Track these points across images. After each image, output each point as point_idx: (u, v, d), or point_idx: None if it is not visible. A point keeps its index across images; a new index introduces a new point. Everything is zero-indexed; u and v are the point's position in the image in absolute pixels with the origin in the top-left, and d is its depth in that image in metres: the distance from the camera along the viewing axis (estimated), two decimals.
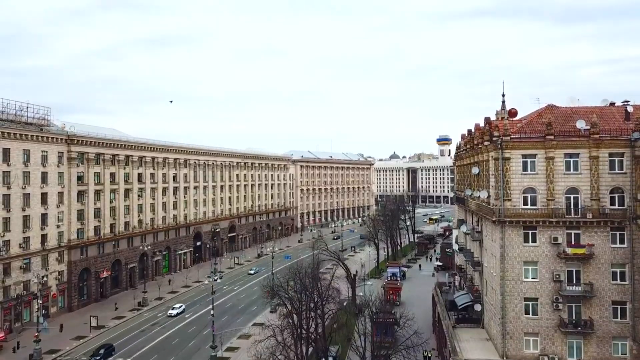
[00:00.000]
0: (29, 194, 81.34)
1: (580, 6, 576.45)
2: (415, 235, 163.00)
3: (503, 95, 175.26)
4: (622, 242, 43.70)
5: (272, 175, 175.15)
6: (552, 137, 44.53)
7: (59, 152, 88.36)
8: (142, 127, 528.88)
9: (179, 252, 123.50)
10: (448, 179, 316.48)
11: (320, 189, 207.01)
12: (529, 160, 45.20)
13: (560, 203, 44.43)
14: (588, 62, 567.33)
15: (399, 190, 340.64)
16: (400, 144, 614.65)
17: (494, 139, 46.48)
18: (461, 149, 71.53)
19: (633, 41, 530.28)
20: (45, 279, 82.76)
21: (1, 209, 76.15)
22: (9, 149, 77.94)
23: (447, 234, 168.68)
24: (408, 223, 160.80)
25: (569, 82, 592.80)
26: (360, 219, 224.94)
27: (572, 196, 44.48)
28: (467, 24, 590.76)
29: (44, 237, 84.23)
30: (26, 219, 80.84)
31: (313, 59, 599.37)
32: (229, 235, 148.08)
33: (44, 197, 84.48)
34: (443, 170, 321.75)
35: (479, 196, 53.70)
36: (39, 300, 73.37)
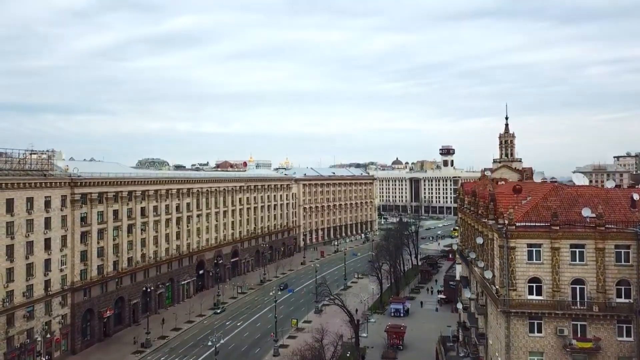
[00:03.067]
0: (32, 241, 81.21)
1: (583, 6, 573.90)
2: (419, 257, 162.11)
3: (506, 118, 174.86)
4: (628, 335, 43.45)
5: (274, 196, 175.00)
6: (558, 227, 44.22)
7: (62, 196, 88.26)
8: (143, 127, 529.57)
9: (182, 283, 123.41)
10: (451, 189, 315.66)
11: (323, 206, 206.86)
12: (534, 249, 44.94)
13: (566, 294, 44.17)
14: (592, 61, 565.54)
15: (402, 200, 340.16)
16: (403, 148, 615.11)
17: (499, 226, 46.15)
18: (464, 204, 71.13)
19: (637, 41, 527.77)
20: (47, 326, 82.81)
21: (4, 259, 76.14)
22: (13, 198, 77.84)
23: (450, 256, 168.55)
24: (412, 240, 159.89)
25: (573, 82, 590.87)
26: (363, 235, 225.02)
27: (577, 287, 44.24)
28: (470, 24, 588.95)
29: (47, 283, 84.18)
30: (29, 267, 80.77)
31: (315, 59, 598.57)
32: (232, 260, 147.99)
33: (47, 243, 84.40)
34: (446, 180, 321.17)
35: (483, 268, 53.48)
36: (42, 358, 73.28)
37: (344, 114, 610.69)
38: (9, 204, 77.14)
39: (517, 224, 45.48)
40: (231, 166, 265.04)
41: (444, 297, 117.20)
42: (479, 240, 55.72)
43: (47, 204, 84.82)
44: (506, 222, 45.51)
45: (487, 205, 53.09)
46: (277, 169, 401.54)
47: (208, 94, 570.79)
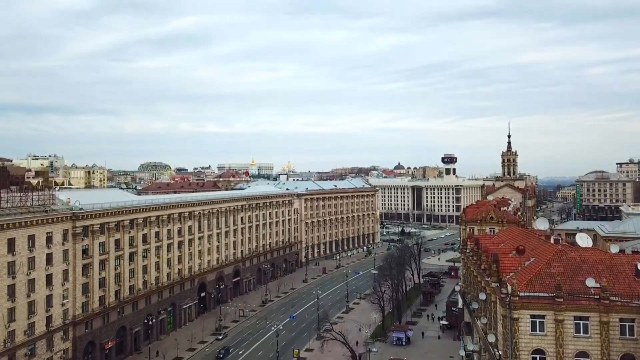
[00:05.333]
0: (34, 279, 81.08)
1: (586, 6, 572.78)
2: (421, 274, 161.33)
3: (509, 136, 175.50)
4: None
5: (276, 212, 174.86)
6: (562, 299, 43.87)
7: (63, 230, 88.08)
8: (146, 127, 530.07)
9: (184, 307, 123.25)
10: (454, 198, 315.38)
11: (324, 220, 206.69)
12: (537, 320, 44.58)
13: None
14: (594, 62, 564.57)
15: (404, 208, 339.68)
16: (405, 150, 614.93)
17: (502, 296, 45.81)
18: (467, 250, 70.74)
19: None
20: None
21: (6, 300, 76.02)
22: (14, 238, 77.73)
23: (452, 273, 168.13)
24: (414, 258, 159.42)
25: (575, 82, 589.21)
26: (365, 247, 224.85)
27: None
28: (472, 24, 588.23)
29: (48, 319, 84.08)
30: (31, 305, 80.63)
31: (316, 60, 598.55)
32: (233, 280, 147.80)
33: (48, 279, 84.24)
34: (448, 189, 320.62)
35: (486, 325, 53.17)
36: None
37: (346, 114, 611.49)
38: (11, 244, 76.99)
39: (521, 294, 45.11)
40: (233, 176, 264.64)
41: (446, 323, 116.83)
42: (482, 296, 55.36)
43: (49, 239, 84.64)
44: (509, 291, 45.14)
45: (489, 265, 52.69)
46: (278, 175, 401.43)
47: (210, 95, 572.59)
